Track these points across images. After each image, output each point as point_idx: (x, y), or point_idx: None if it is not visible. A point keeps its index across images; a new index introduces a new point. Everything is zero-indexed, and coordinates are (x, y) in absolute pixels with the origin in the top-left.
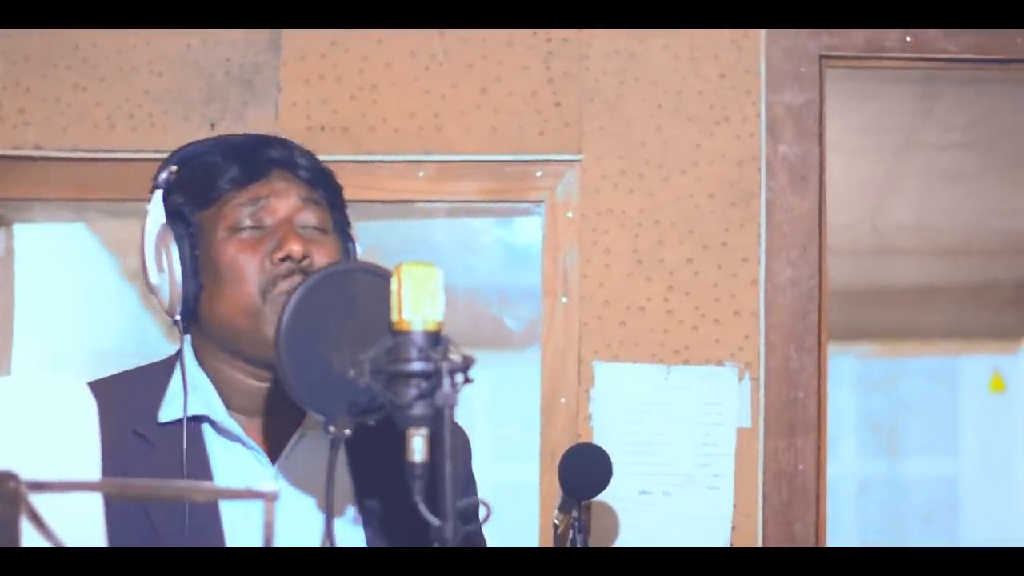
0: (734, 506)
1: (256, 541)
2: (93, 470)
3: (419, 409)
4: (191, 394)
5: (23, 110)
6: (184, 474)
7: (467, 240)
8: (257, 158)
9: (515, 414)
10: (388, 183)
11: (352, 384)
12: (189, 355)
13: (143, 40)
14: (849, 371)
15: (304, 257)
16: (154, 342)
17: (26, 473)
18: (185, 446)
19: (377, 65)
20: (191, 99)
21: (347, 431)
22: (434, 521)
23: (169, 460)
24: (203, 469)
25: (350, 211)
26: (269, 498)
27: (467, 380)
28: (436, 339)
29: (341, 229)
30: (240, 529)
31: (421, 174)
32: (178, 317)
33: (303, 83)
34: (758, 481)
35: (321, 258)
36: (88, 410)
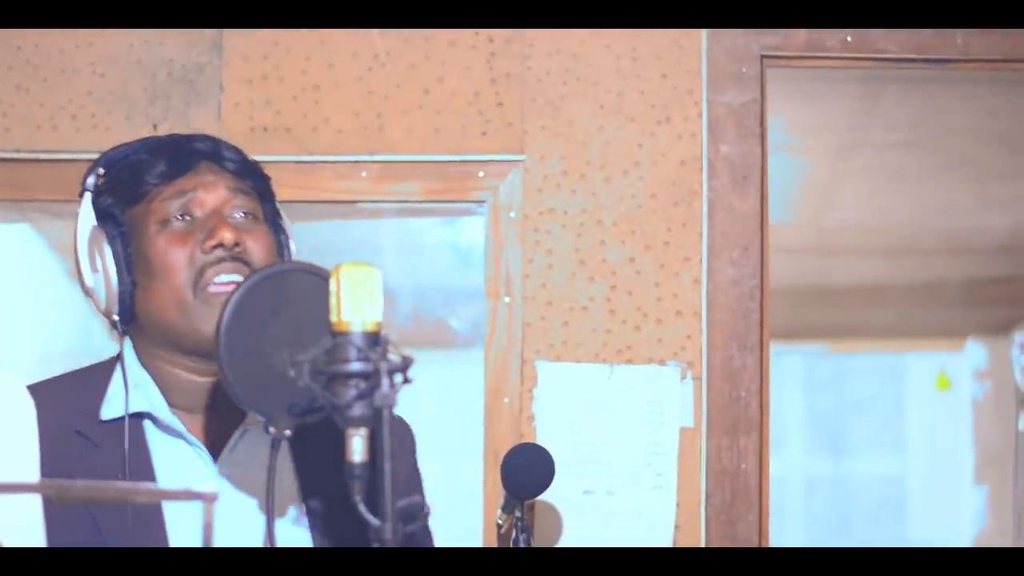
0: (677, 505)
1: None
2: (33, 470)
3: (358, 409)
4: (133, 391)
5: None
6: (126, 471)
7: (411, 240)
8: (183, 151)
9: (460, 414)
10: (331, 183)
11: (292, 384)
12: (130, 354)
13: (85, 41)
14: (796, 370)
15: (236, 244)
16: (101, 344)
17: None
18: (127, 443)
19: (319, 66)
20: (134, 100)
21: (287, 432)
22: (374, 521)
23: (111, 458)
24: (145, 466)
25: (293, 211)
26: (208, 499)
27: (406, 380)
28: (375, 339)
29: (272, 220)
30: (183, 527)
31: (364, 174)
32: (116, 317)
33: (246, 83)
34: (701, 480)
35: (254, 246)
36: (26, 410)
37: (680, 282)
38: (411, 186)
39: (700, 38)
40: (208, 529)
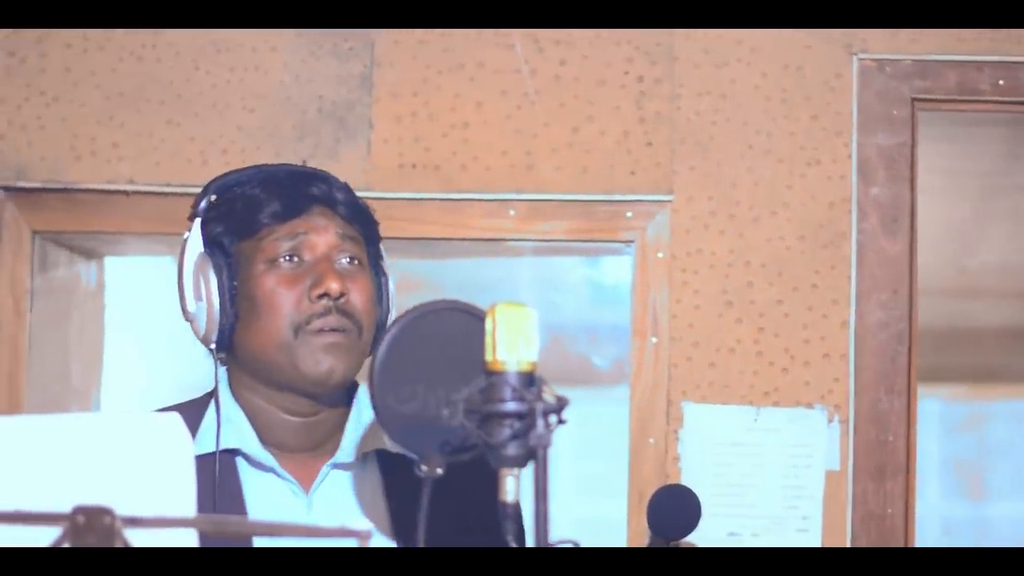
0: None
1: None
2: (190, 503)
3: (513, 449)
4: (225, 427)
5: (117, 144)
6: (215, 507)
7: (554, 278)
8: (298, 193)
9: (600, 451)
10: (478, 221)
11: (445, 423)
12: (224, 388)
13: (236, 76)
14: (935, 413)
15: (341, 295)
16: None
17: (121, 508)
18: (217, 480)
19: (469, 103)
20: (283, 136)
21: (439, 470)
22: None
23: (203, 492)
24: (236, 501)
25: (439, 248)
26: (363, 537)
27: (561, 421)
28: (530, 380)
29: (375, 264)
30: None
31: (512, 212)
32: (213, 346)
33: (395, 120)
34: (847, 524)
35: (357, 296)
36: (184, 443)
37: (828, 324)
38: (559, 225)
39: (851, 80)
40: None
